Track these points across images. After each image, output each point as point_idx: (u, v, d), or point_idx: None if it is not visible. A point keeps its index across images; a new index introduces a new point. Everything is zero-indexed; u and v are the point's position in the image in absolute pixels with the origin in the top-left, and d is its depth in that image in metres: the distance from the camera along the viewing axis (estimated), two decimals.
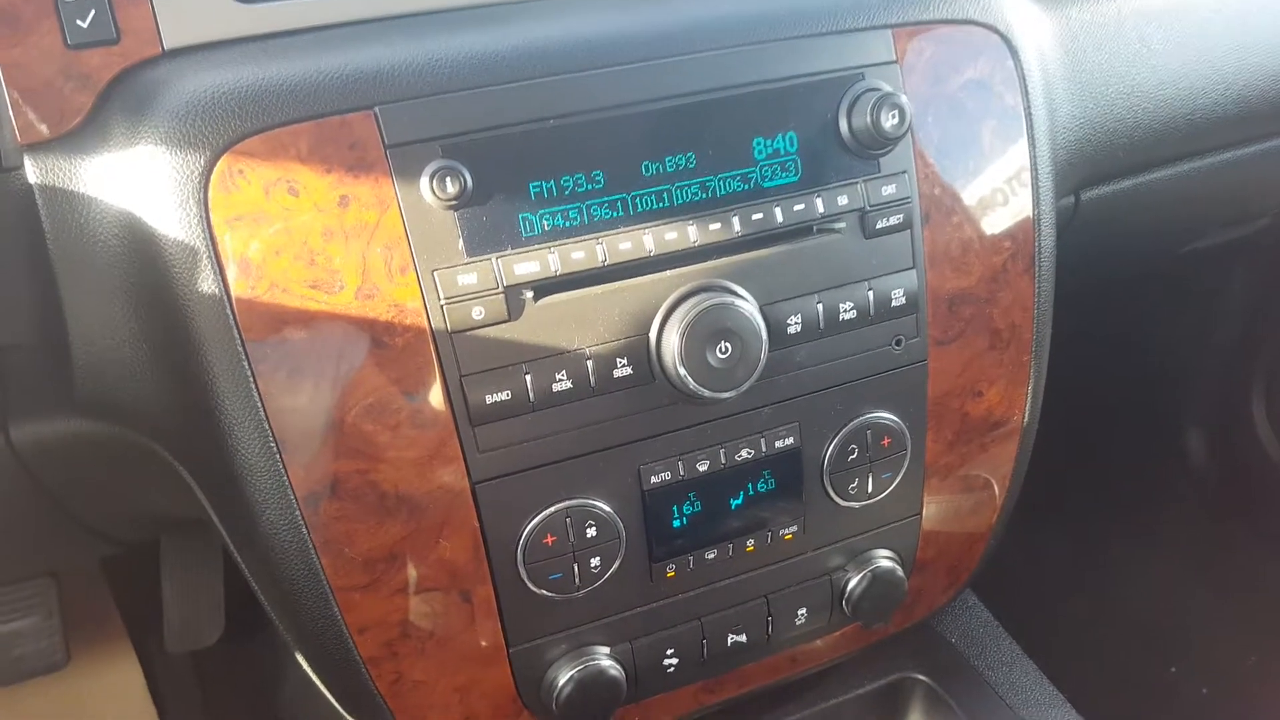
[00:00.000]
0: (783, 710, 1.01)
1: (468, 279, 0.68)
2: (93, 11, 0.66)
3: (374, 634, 0.75)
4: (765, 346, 0.74)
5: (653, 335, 0.73)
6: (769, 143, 0.75)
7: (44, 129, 0.66)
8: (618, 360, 0.73)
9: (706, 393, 0.73)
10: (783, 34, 0.75)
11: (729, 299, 0.73)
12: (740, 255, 0.75)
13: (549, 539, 0.75)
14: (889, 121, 0.74)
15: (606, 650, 0.82)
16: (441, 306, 0.68)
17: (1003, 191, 0.84)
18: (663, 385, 0.74)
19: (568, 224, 0.70)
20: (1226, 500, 1.67)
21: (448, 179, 0.65)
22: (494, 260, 0.68)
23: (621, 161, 0.71)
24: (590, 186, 0.71)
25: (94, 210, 0.66)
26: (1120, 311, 1.70)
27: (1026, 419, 0.92)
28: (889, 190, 0.78)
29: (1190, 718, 1.38)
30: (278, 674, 1.45)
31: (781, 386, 0.79)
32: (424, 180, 0.66)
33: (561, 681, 0.81)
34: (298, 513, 0.69)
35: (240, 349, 0.66)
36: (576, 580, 0.78)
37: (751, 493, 0.82)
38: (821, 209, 0.76)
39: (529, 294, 0.70)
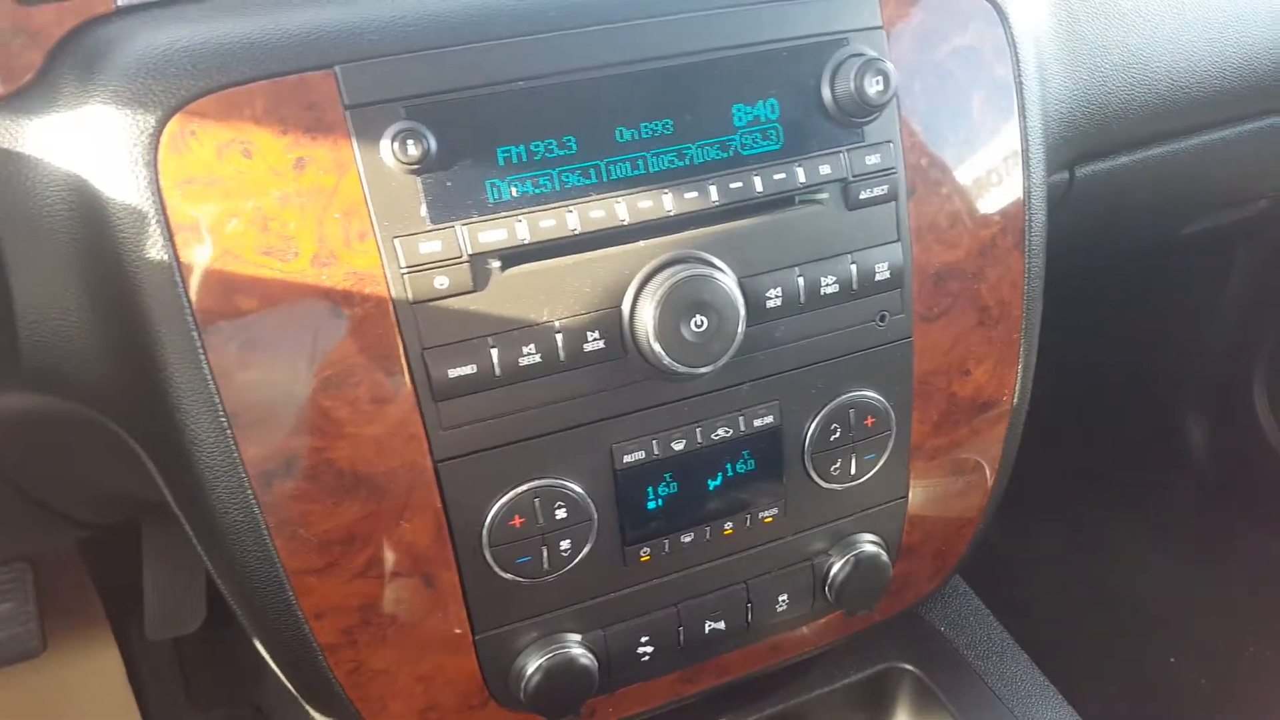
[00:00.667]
0: (764, 701, 0.98)
1: (431, 247, 0.65)
2: None
3: (331, 620, 0.72)
4: (743, 321, 0.71)
5: (626, 308, 0.70)
6: (749, 109, 0.72)
7: None
8: (589, 333, 0.70)
9: (681, 368, 0.70)
10: None
11: (706, 270, 0.70)
12: (718, 226, 0.72)
13: (516, 521, 0.73)
14: (873, 88, 0.71)
15: (578, 638, 0.80)
16: (403, 275, 0.65)
17: (992, 164, 0.81)
18: (636, 360, 0.72)
19: (537, 191, 0.67)
20: (1227, 489, 1.65)
21: (409, 141, 0.62)
22: (459, 228, 0.65)
23: (595, 127, 0.68)
24: (561, 153, 0.68)
25: (41, 173, 0.63)
26: (1119, 297, 1.68)
27: (1016, 399, 0.89)
28: (873, 160, 0.75)
29: (1188, 710, 1.35)
30: (259, 662, 1.42)
31: (760, 363, 0.76)
32: (385, 143, 0.63)
33: (530, 670, 0.78)
34: (250, 492, 0.66)
35: (189, 319, 0.63)
36: (546, 564, 0.75)
37: (730, 473, 0.79)
38: (803, 178, 0.73)
39: (495, 263, 0.67)
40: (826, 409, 0.80)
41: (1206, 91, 0.97)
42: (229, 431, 0.65)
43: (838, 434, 0.81)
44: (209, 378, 0.64)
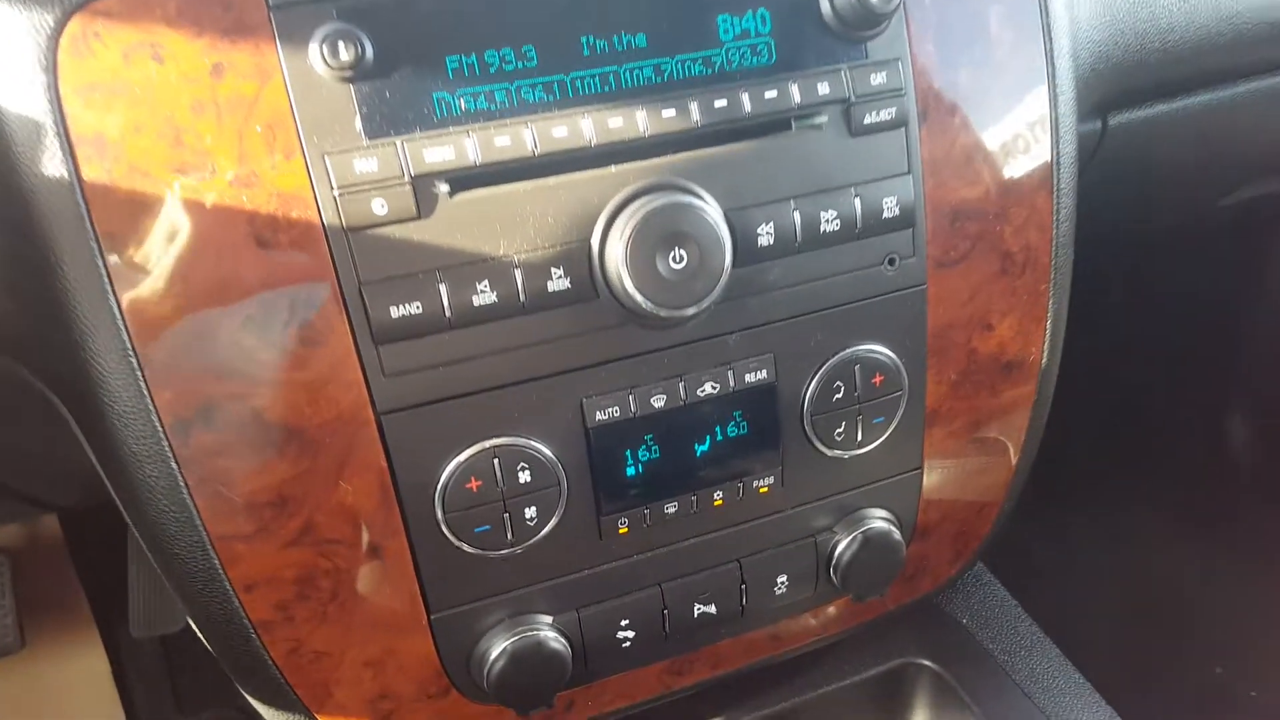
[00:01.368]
0: (764, 698, 0.89)
1: (366, 165, 0.58)
2: None
3: (264, 593, 0.64)
4: (729, 258, 0.63)
5: (595, 242, 0.62)
6: (737, 21, 0.64)
7: None
8: (552, 270, 0.62)
9: (659, 310, 0.62)
10: None
11: (685, 198, 0.62)
12: (701, 151, 0.64)
13: (473, 484, 0.65)
14: None
15: (548, 620, 0.72)
16: (335, 198, 0.58)
17: (1015, 90, 0.73)
18: (608, 302, 0.63)
19: (492, 106, 0.60)
20: (1275, 487, 1.53)
21: (340, 44, 0.55)
22: (399, 144, 0.58)
23: (558, 36, 0.61)
24: (520, 64, 0.60)
25: None
26: (1158, 278, 1.58)
27: (1045, 360, 0.80)
28: (878, 79, 0.67)
29: None
30: None
31: (751, 310, 0.68)
32: (314, 46, 0.56)
33: (494, 655, 0.70)
34: (165, 443, 0.59)
35: (93, 245, 0.56)
36: (509, 535, 0.67)
37: (719, 436, 0.71)
38: (798, 98, 0.65)
39: (443, 187, 0.59)
40: (828, 365, 0.71)
41: (1258, 25, 0.88)
42: (139, 373, 0.57)
43: (841, 394, 0.72)
44: (115, 311, 0.57)
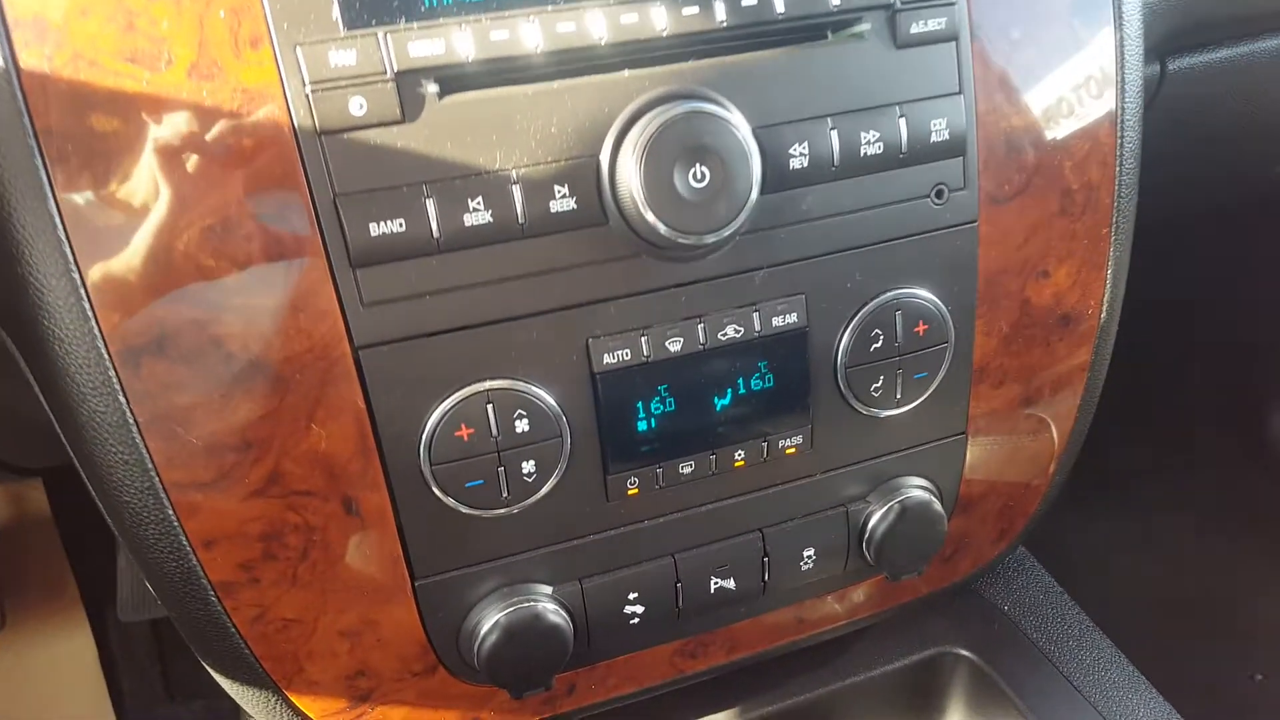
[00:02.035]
0: (786, 688, 0.82)
1: (343, 58, 0.50)
2: None
3: (225, 550, 0.57)
4: (757, 180, 0.56)
5: (604, 156, 0.55)
6: None
7: None
8: (555, 188, 0.54)
9: (677, 236, 0.55)
10: None
11: (708, 106, 0.54)
12: (727, 58, 0.57)
13: (464, 432, 0.57)
14: None
15: (547, 590, 0.64)
16: (307, 95, 0.50)
17: (1077, 6, 0.65)
18: (619, 228, 0.56)
19: None
20: None
21: None
22: (381, 35, 0.51)
23: None
24: None
25: None
26: (1207, 265, 1.49)
27: (1105, 316, 0.72)
28: None
29: None
30: None
31: (781, 244, 0.60)
32: None
33: (486, 628, 0.62)
34: (112, 373, 0.52)
35: (32, 143, 0.49)
36: (504, 492, 0.59)
37: (741, 388, 0.63)
38: (837, 1, 0.57)
39: (431, 87, 0.52)
40: (866, 310, 0.64)
41: None
42: (83, 292, 0.51)
43: (880, 343, 0.65)
44: (56, 219, 0.50)
